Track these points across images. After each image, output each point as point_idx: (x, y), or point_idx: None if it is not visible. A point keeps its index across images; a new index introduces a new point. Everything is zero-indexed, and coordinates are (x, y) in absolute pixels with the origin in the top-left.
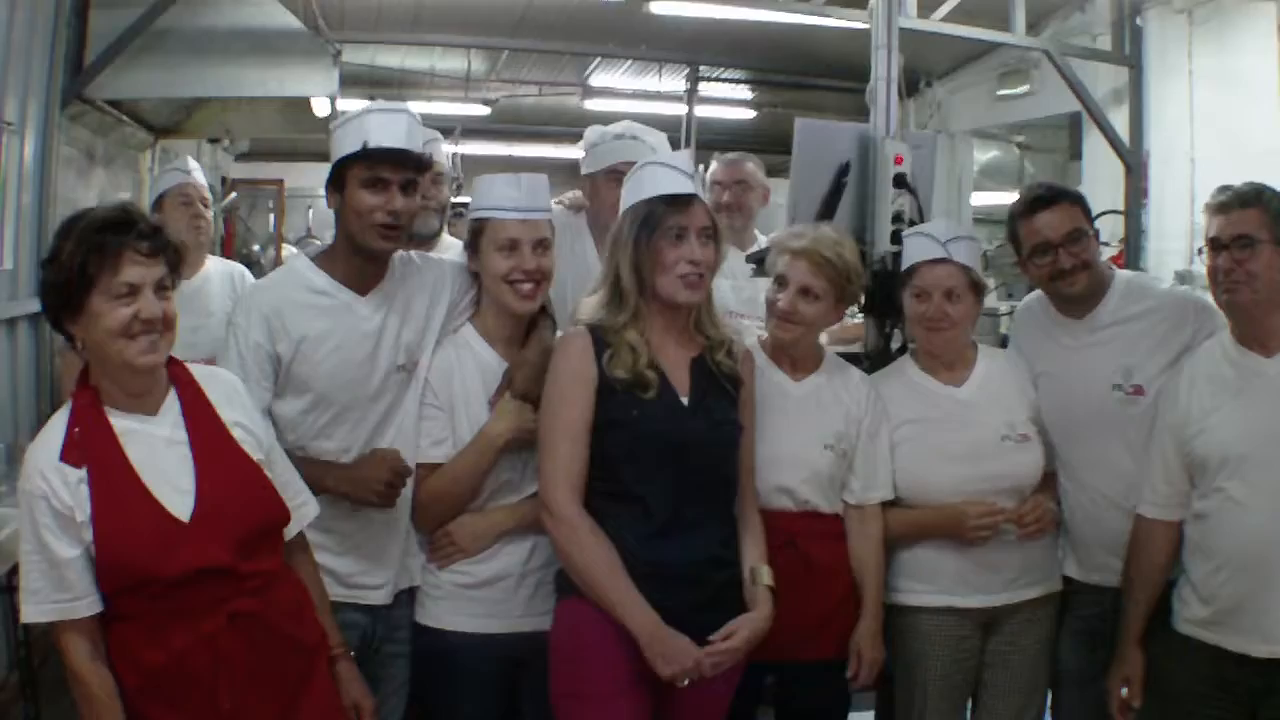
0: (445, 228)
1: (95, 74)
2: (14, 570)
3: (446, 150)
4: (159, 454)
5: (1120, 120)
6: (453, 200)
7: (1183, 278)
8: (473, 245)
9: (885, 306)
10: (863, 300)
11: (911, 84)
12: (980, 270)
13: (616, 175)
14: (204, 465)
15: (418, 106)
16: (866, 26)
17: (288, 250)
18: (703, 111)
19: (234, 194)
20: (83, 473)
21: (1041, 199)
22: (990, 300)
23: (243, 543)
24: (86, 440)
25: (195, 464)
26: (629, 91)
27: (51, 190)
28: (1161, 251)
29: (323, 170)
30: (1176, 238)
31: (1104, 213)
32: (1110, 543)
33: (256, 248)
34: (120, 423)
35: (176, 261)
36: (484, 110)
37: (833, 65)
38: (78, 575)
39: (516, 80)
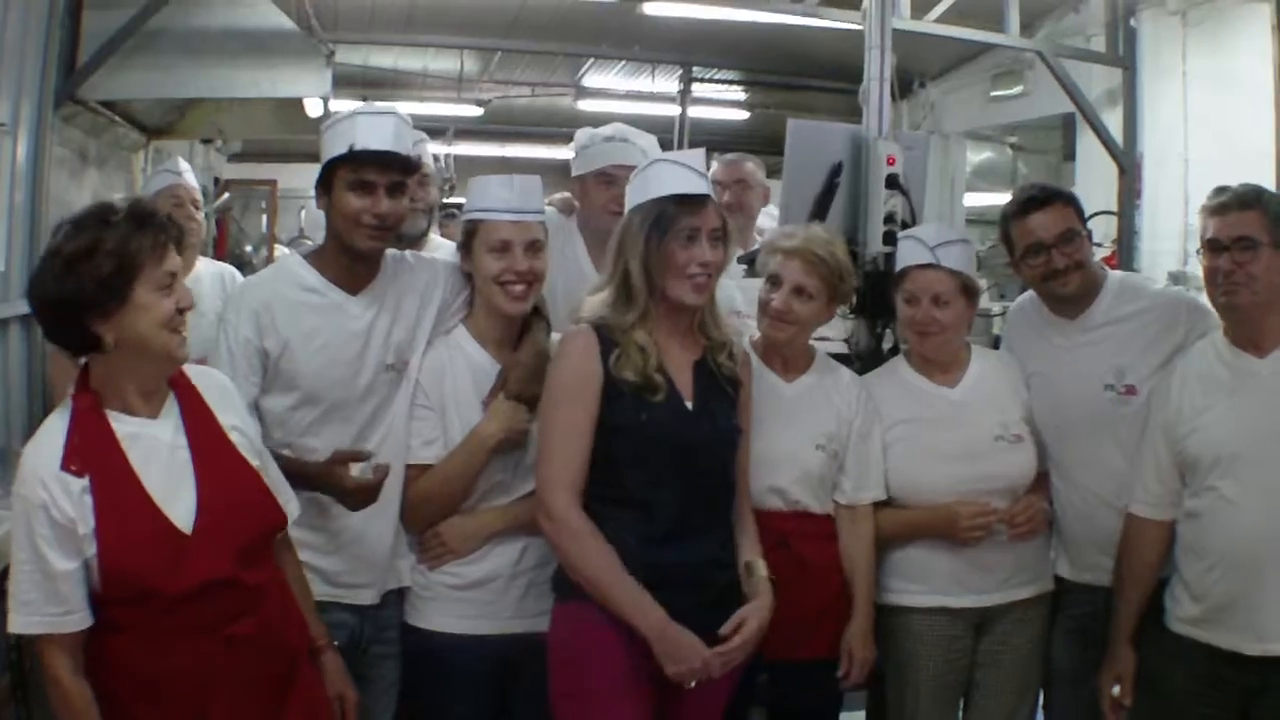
0: (432, 229)
1: (88, 75)
2: (4, 573)
3: (439, 151)
4: (161, 459)
5: (1114, 121)
6: (444, 201)
7: (1176, 278)
8: (465, 246)
9: (877, 307)
10: (854, 300)
11: (905, 85)
12: (973, 272)
13: (606, 177)
14: (204, 471)
15: (410, 107)
16: (859, 27)
17: (280, 251)
18: (696, 112)
19: (227, 194)
20: (85, 482)
21: (1034, 199)
22: (983, 301)
23: (243, 551)
24: (88, 447)
25: (195, 470)
26: (622, 92)
27: (44, 191)
28: (1155, 252)
29: (315, 171)
30: (1170, 239)
31: (1097, 213)
32: (1102, 542)
33: (249, 248)
34: (122, 427)
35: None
36: (477, 111)
37: (826, 66)
38: (72, 589)
39: (509, 81)
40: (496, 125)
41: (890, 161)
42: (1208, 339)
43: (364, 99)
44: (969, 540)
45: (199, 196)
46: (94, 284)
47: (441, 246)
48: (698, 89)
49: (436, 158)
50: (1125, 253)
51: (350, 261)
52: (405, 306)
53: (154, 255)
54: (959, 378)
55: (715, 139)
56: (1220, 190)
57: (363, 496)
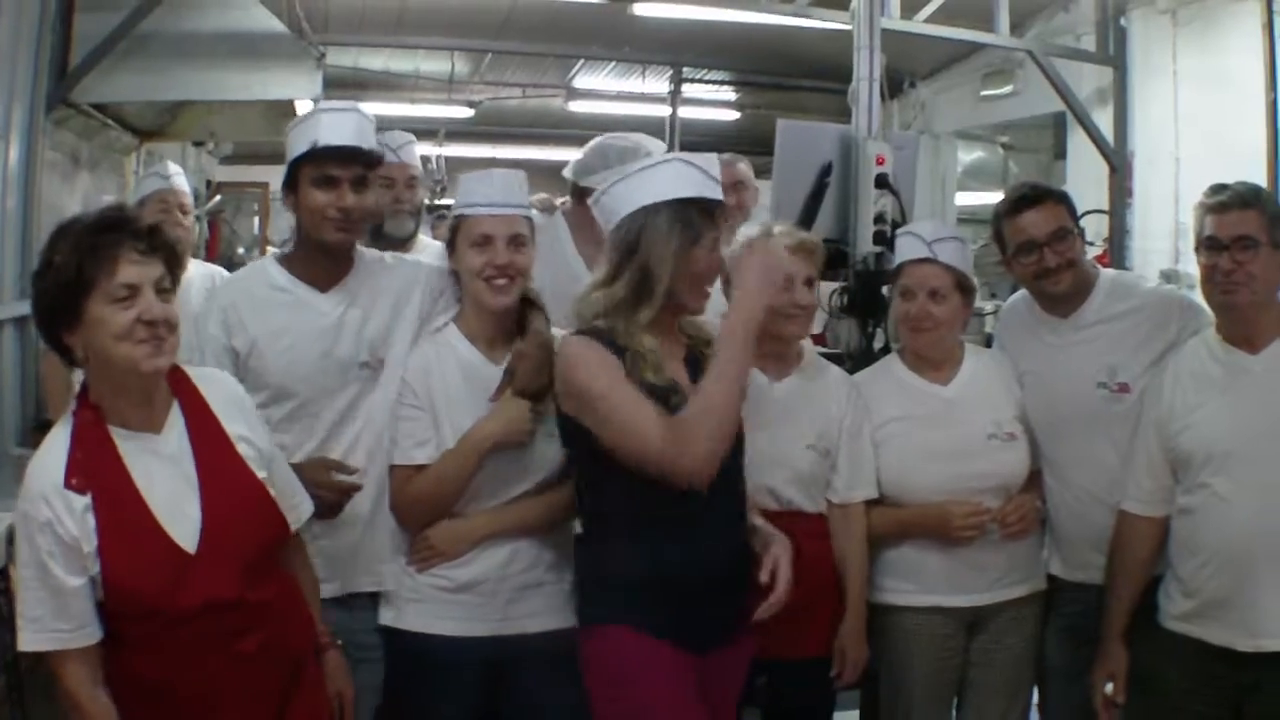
0: (421, 230)
1: (80, 78)
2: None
3: (430, 153)
4: (165, 475)
5: (1104, 120)
6: (435, 202)
7: (1168, 276)
8: (451, 243)
9: (867, 306)
10: (846, 300)
11: (895, 85)
12: (970, 271)
13: None
14: (209, 488)
15: (401, 109)
16: (849, 27)
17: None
18: (686, 113)
19: (219, 197)
20: (88, 499)
21: (1026, 198)
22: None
23: (248, 569)
24: (91, 463)
25: (200, 485)
26: (613, 93)
27: (36, 194)
28: (1146, 251)
29: None
30: (1161, 237)
31: (1088, 212)
32: (1095, 540)
33: (242, 250)
34: (125, 443)
35: (175, 261)
36: (468, 112)
37: (816, 66)
38: (81, 604)
39: (500, 82)
40: (487, 126)
41: (880, 161)
42: (1200, 336)
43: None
44: (961, 540)
45: (188, 200)
46: (49, 299)
47: (429, 248)
48: (688, 89)
49: (427, 159)
50: (1117, 251)
51: (319, 258)
52: (379, 305)
53: (106, 269)
54: (952, 375)
55: (706, 140)
56: (1219, 188)
57: (328, 510)
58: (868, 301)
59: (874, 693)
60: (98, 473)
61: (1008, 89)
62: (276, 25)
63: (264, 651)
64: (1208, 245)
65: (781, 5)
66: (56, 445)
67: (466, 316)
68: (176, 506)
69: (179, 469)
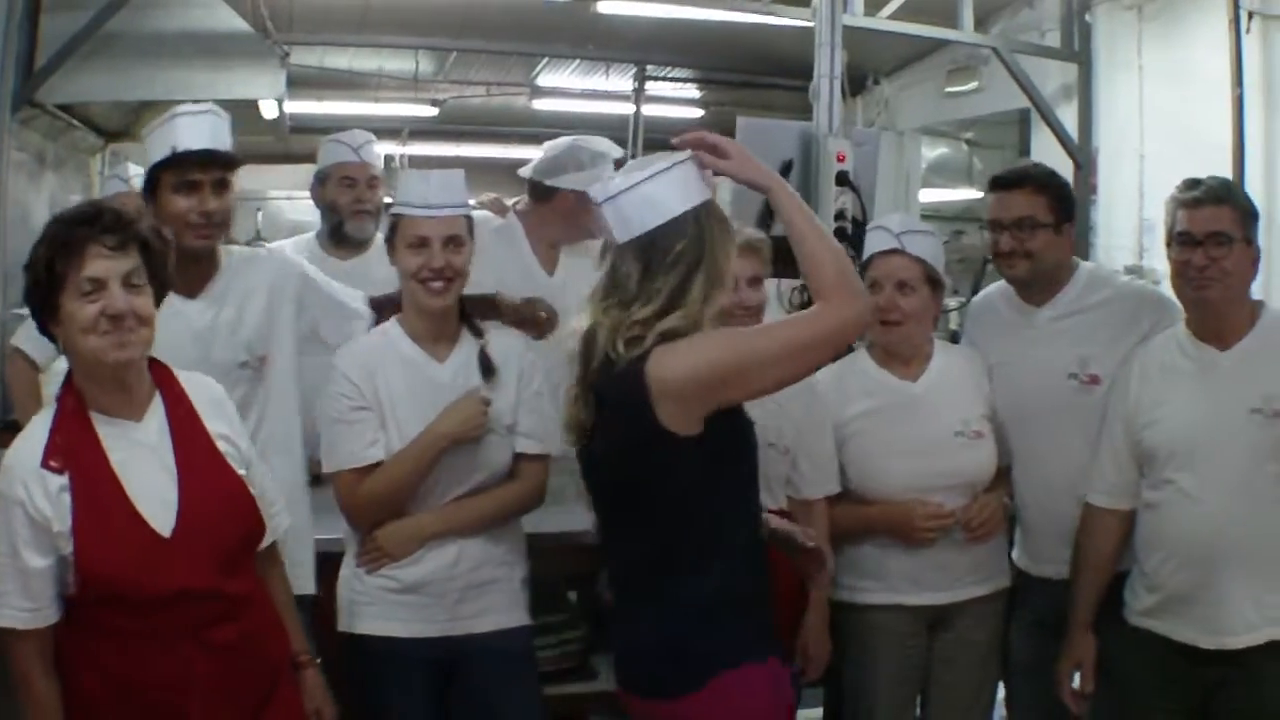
0: (381, 230)
1: (46, 78)
2: None
3: (394, 152)
4: (142, 461)
5: (1069, 117)
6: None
7: (1132, 273)
8: (389, 242)
9: None
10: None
11: (859, 81)
12: (940, 266)
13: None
14: (186, 476)
15: (365, 108)
16: (812, 24)
17: None
18: (650, 111)
19: None
20: (64, 480)
21: (1004, 179)
22: None
23: (223, 560)
24: (70, 445)
25: (178, 474)
26: (577, 91)
27: (2, 194)
28: (1110, 248)
29: (273, 172)
30: (1125, 234)
31: None
32: (1063, 533)
33: None
34: (104, 428)
35: (155, 252)
36: (432, 111)
37: (781, 64)
38: (45, 585)
39: (464, 81)
40: (451, 125)
41: (840, 158)
42: (1169, 331)
43: (319, 100)
44: (923, 540)
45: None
46: (30, 293)
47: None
48: (652, 87)
49: (390, 158)
50: (1081, 248)
51: (185, 264)
52: (252, 304)
53: (74, 264)
54: (921, 371)
55: (670, 138)
56: (1192, 183)
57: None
58: None
59: (837, 690)
60: (76, 454)
61: (972, 85)
62: (241, 25)
63: (237, 646)
64: (1180, 240)
65: (745, 2)
66: (38, 428)
67: (408, 315)
68: (154, 492)
69: (158, 457)
